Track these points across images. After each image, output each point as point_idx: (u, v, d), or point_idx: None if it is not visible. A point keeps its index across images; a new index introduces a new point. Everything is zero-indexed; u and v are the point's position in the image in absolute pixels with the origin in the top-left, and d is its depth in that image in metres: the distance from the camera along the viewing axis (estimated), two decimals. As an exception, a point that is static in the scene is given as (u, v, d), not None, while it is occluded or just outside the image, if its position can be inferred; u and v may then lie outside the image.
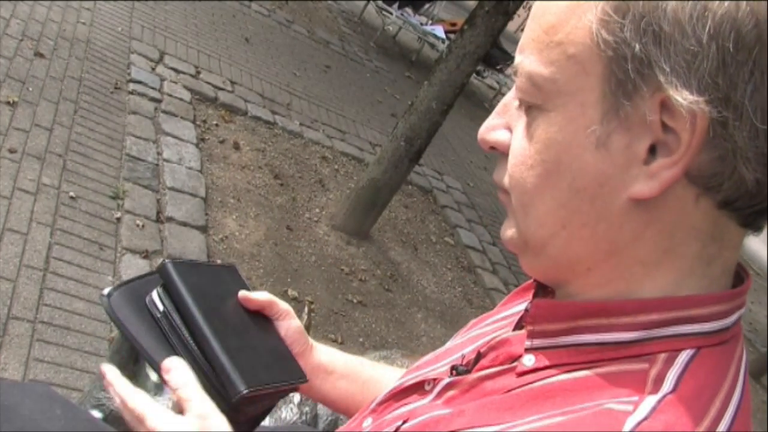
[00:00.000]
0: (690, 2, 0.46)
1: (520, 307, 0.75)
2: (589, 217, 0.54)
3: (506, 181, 0.59)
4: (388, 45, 8.65)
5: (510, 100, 0.60)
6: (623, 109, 0.50)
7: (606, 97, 0.50)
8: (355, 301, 3.59)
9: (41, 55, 3.70)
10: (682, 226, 0.52)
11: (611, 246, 0.54)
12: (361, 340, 3.34)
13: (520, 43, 0.57)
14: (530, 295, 0.74)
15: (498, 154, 0.61)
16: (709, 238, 0.53)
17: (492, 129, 0.61)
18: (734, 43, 0.45)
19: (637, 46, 0.48)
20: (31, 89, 3.40)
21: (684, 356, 0.53)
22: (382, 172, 3.92)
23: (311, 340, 0.95)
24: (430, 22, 8.78)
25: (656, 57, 0.47)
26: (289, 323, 0.93)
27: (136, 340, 0.74)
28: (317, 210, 4.16)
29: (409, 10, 8.53)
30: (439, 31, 8.48)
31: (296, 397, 1.62)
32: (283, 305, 0.93)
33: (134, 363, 1.59)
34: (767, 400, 5.68)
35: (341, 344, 3.19)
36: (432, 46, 8.47)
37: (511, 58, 9.32)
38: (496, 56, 8.77)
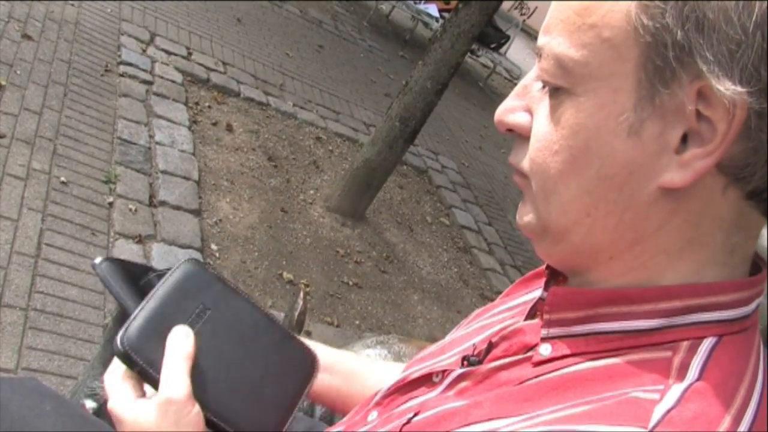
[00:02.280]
0: None
1: (526, 297, 0.73)
2: (615, 205, 0.53)
3: (526, 165, 0.57)
4: (382, 24, 8.57)
5: (531, 81, 0.58)
6: (659, 96, 0.48)
7: (641, 83, 0.49)
8: (350, 283, 3.57)
9: (29, 37, 3.64)
10: (708, 215, 0.51)
11: (636, 235, 0.53)
12: (357, 322, 3.33)
13: (545, 23, 0.55)
14: (536, 286, 0.72)
15: (515, 136, 0.60)
16: (734, 228, 0.52)
17: (511, 111, 0.59)
18: None
19: (679, 33, 0.46)
20: (18, 72, 3.34)
21: (707, 344, 0.52)
22: (377, 152, 3.89)
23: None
24: (423, 0, 8.70)
25: (698, 45, 0.45)
26: None
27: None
28: (312, 191, 4.13)
29: (402, -12, 8.45)
30: (433, 9, 8.41)
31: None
32: None
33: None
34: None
35: (337, 327, 3.18)
36: (426, 25, 8.40)
37: (506, 37, 9.32)
38: (491, 35, 8.71)
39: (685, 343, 0.52)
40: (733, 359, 0.52)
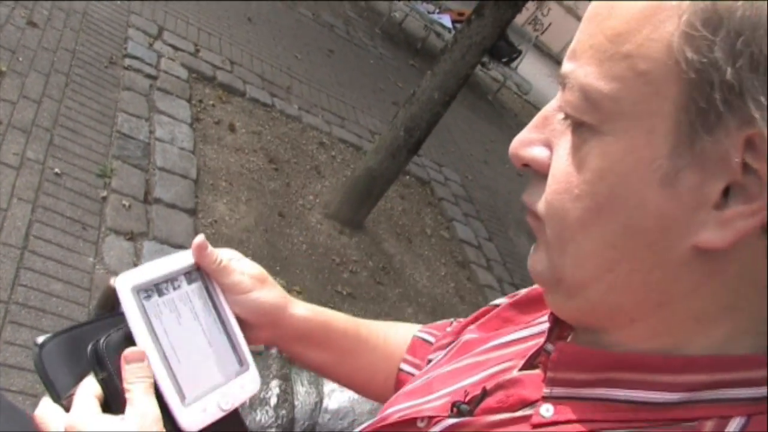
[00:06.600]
0: None
1: (524, 332, 0.66)
2: (642, 263, 0.46)
3: (541, 207, 0.51)
4: (394, 32, 8.53)
5: (552, 112, 0.51)
6: (700, 143, 0.42)
7: (681, 127, 0.42)
8: (344, 292, 3.51)
9: (34, 25, 3.59)
10: (748, 280, 0.44)
11: (663, 297, 0.47)
12: (348, 333, 3.26)
13: (572, 47, 0.48)
14: (536, 316, 0.66)
15: (531, 172, 0.53)
16: None
17: (528, 144, 0.52)
18: None
19: (729, 71, 0.39)
20: (21, 59, 3.29)
21: (734, 426, 0.45)
22: (380, 161, 3.83)
23: (290, 301, 0.80)
24: (437, 10, 8.65)
25: (751, 86, 0.39)
26: (256, 298, 0.75)
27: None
28: (311, 197, 4.07)
29: (416, -4, 8.41)
30: (446, 20, 8.37)
31: (273, 399, 1.54)
32: (252, 273, 0.76)
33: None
34: None
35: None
36: (438, 35, 8.35)
37: (518, 51, 9.26)
38: (503, 49, 8.66)
39: (709, 423, 0.46)
40: None
